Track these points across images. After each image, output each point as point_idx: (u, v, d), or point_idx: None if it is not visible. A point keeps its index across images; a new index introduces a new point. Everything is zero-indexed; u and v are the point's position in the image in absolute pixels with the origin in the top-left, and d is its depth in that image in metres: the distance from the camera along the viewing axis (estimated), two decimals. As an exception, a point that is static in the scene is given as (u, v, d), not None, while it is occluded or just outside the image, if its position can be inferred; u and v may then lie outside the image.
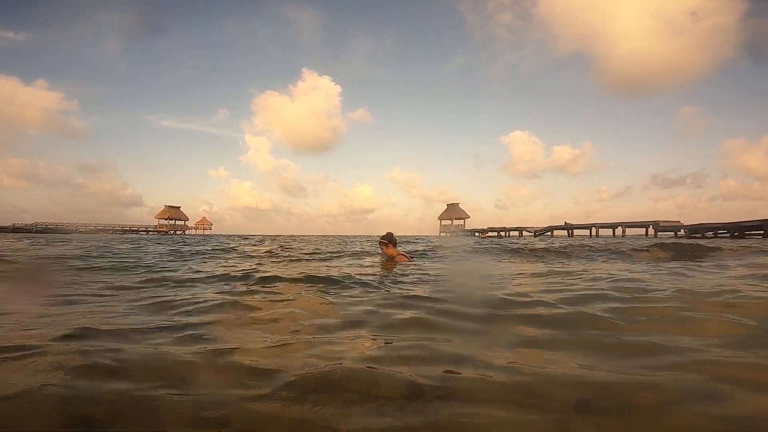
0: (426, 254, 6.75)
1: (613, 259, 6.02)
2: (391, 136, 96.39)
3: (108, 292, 2.89)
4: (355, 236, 34.92)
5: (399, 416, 1.01)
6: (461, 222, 60.84)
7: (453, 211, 62.12)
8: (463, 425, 0.99)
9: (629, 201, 69.42)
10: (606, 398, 1.09)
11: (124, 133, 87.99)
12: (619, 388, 1.14)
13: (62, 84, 78.25)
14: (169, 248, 9.26)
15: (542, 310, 2.08)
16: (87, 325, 1.80)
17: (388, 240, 5.26)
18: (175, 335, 1.69)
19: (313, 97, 73.86)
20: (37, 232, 43.63)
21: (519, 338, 1.65)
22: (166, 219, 60.76)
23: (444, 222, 62.89)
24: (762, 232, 22.51)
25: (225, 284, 3.15)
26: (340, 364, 1.32)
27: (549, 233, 38.96)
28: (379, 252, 5.97)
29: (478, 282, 3.78)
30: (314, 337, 1.67)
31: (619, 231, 33.70)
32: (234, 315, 2.10)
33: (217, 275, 3.70)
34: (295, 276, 3.38)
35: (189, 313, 2.10)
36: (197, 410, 1.03)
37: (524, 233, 42.23)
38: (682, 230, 28.97)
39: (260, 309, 2.24)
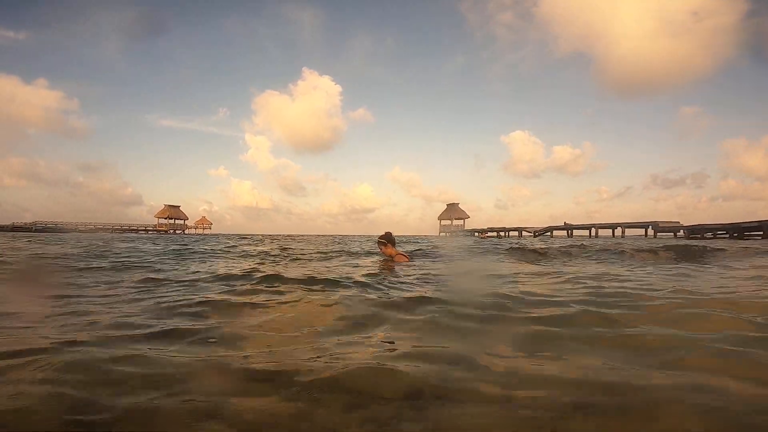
0: (425, 254, 6.75)
1: (611, 259, 6.02)
2: (392, 136, 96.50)
3: (106, 294, 2.88)
4: (355, 236, 34.92)
5: (399, 418, 1.02)
6: (461, 222, 60.85)
7: (453, 211, 62.12)
8: (462, 426, 0.99)
9: (629, 201, 69.53)
10: (606, 398, 1.09)
11: (124, 133, 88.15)
12: (620, 388, 1.15)
13: (63, 83, 78.39)
14: (168, 248, 9.25)
15: (540, 311, 2.09)
16: (86, 329, 1.80)
17: (387, 240, 5.26)
18: (177, 338, 1.69)
19: (313, 97, 73.96)
20: (36, 231, 43.59)
21: (518, 339, 1.65)
22: (165, 218, 60.75)
23: (444, 222, 62.90)
24: (761, 233, 22.53)
25: (225, 285, 3.14)
26: (344, 367, 1.32)
27: (548, 234, 38.97)
28: (378, 252, 5.97)
29: (478, 282, 3.78)
30: (316, 340, 1.67)
31: (618, 231, 33.71)
32: (235, 317, 2.10)
33: (217, 275, 3.70)
34: (295, 277, 3.38)
35: (190, 315, 2.10)
36: (203, 415, 1.03)
37: (524, 233, 42.24)
38: (682, 231, 28.98)
39: (261, 311, 2.24)
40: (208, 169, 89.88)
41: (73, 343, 1.54)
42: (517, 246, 8.78)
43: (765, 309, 2.05)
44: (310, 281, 3.19)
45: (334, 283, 3.11)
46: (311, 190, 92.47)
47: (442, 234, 59.94)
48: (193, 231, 62.83)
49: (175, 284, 3.23)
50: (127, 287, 3.10)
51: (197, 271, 4.23)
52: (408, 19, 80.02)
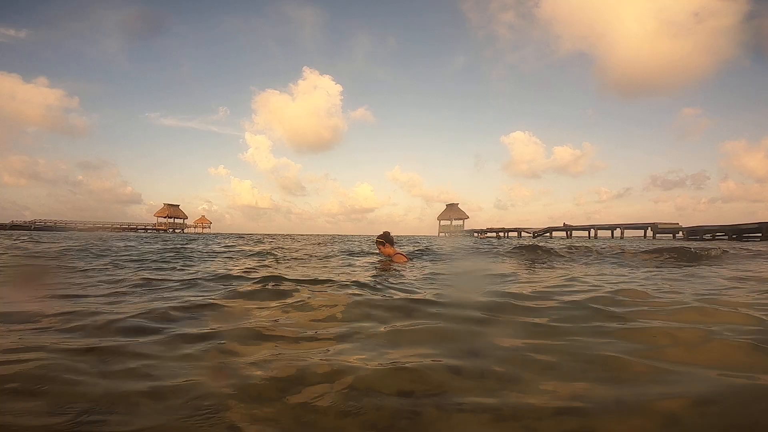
0: (423, 254, 6.75)
1: (608, 261, 6.02)
2: (392, 136, 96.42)
3: (105, 294, 2.87)
4: (354, 236, 34.92)
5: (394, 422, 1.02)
6: (460, 222, 60.87)
7: (452, 211, 62.13)
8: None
9: (629, 202, 69.56)
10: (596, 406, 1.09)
11: (124, 131, 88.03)
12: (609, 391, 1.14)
13: (63, 81, 78.14)
14: (167, 247, 9.24)
15: (538, 312, 2.09)
16: (89, 334, 1.79)
17: (385, 239, 5.25)
18: (177, 342, 1.68)
19: (313, 96, 73.84)
20: (35, 229, 43.54)
21: (517, 340, 1.64)
22: (165, 217, 60.73)
23: (443, 222, 62.92)
24: (760, 234, 22.56)
25: (225, 286, 3.13)
26: (343, 369, 1.32)
27: (548, 234, 38.99)
28: (377, 252, 5.96)
29: (477, 282, 3.78)
30: (316, 343, 1.67)
31: (617, 232, 33.75)
32: (235, 320, 2.09)
33: (216, 276, 3.68)
34: (295, 277, 3.38)
35: (189, 318, 2.09)
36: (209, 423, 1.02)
37: (523, 234, 42.28)
38: (681, 232, 29.02)
39: (261, 313, 2.24)
40: (208, 168, 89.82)
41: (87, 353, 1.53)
42: (515, 246, 8.78)
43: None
44: (309, 282, 3.19)
45: (333, 284, 3.11)
46: (311, 189, 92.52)
47: (441, 234, 59.98)
48: (192, 230, 62.81)
49: (175, 285, 3.21)
50: (125, 288, 3.08)
51: (197, 271, 4.22)
52: (409, 19, 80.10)
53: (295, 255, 6.90)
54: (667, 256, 6.21)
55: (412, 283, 3.28)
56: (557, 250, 7.23)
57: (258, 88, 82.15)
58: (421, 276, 3.80)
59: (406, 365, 1.35)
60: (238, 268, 4.55)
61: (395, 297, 2.60)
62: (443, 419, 1.03)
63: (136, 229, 56.36)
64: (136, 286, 3.15)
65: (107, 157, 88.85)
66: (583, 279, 3.53)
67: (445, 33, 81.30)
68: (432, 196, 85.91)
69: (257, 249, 8.85)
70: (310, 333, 1.77)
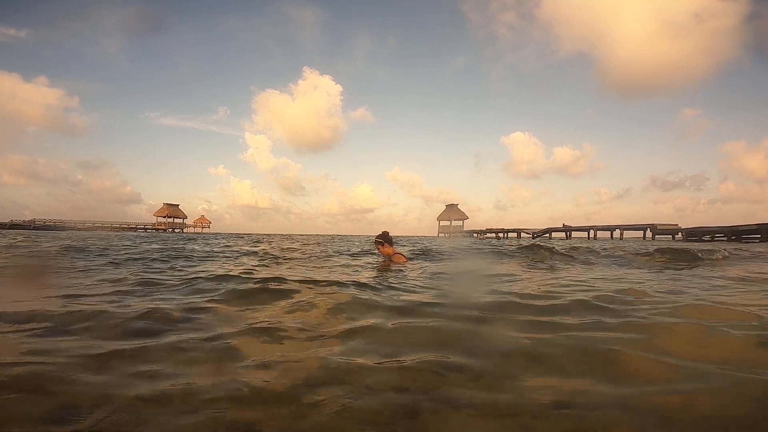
0: (422, 254, 6.75)
1: (607, 261, 6.02)
2: (392, 136, 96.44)
3: (105, 293, 2.87)
4: (353, 236, 34.91)
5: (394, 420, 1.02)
6: (460, 223, 60.87)
7: (452, 211, 62.15)
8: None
9: (629, 203, 69.62)
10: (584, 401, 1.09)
11: (124, 131, 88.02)
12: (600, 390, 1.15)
13: (63, 81, 78.25)
14: (166, 246, 9.23)
15: (538, 310, 2.09)
16: (89, 336, 1.79)
17: (384, 239, 5.24)
18: (179, 344, 1.68)
19: (313, 96, 73.91)
20: (34, 228, 43.48)
21: (515, 338, 1.64)
22: (164, 217, 60.69)
23: (443, 223, 62.93)
24: (759, 236, 22.59)
25: (224, 287, 3.12)
26: (345, 372, 1.32)
27: (547, 235, 39.00)
28: (376, 252, 5.96)
29: (476, 282, 3.78)
30: (316, 346, 1.66)
31: (617, 233, 33.76)
32: (236, 321, 2.09)
33: (215, 276, 3.68)
34: (294, 278, 3.37)
35: (191, 319, 2.09)
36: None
37: (522, 235, 42.30)
38: (680, 233, 29.04)
39: (261, 314, 2.24)
40: (208, 168, 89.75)
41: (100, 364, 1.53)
42: (514, 247, 8.78)
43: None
44: (309, 282, 3.19)
45: (333, 284, 3.10)
46: (311, 189, 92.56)
47: (441, 235, 59.98)
48: (191, 230, 62.77)
49: (174, 285, 3.21)
50: (125, 288, 3.08)
51: (196, 272, 4.21)
52: (409, 19, 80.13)
53: (294, 255, 6.90)
54: (667, 257, 6.22)
55: (411, 283, 3.28)
56: (557, 251, 7.23)
57: (258, 88, 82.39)
58: (421, 275, 3.81)
59: (407, 364, 1.35)
60: (237, 268, 4.55)
61: (395, 297, 2.60)
62: (443, 418, 1.04)
63: (135, 229, 56.29)
64: (134, 285, 3.15)
65: (107, 157, 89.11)
66: (582, 279, 3.53)
67: (445, 33, 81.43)
68: (432, 196, 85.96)
69: (256, 249, 8.84)
70: (310, 333, 1.77)
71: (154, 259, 5.75)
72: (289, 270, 4.33)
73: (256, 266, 4.78)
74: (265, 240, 17.37)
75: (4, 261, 5.41)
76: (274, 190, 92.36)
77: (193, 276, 3.69)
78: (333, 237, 29.37)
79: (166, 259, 5.82)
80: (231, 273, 3.86)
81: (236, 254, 7.11)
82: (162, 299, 2.55)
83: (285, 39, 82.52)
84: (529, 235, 40.48)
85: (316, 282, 3.20)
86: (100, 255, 6.20)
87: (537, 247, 8.11)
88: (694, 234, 27.20)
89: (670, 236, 29.67)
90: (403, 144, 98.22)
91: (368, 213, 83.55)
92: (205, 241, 15.10)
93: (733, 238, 24.27)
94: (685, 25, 51.90)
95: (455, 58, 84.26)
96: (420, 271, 4.18)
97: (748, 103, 72.68)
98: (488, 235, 45.71)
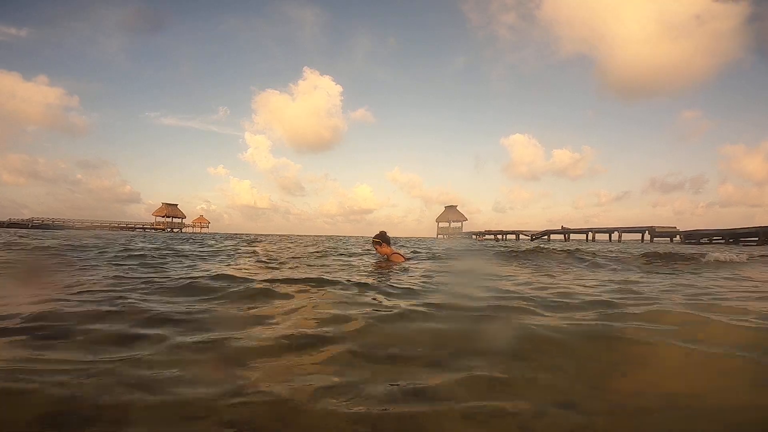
0: (421, 255, 6.74)
1: (604, 263, 6.02)
2: (392, 136, 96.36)
3: (98, 296, 2.85)
4: (352, 237, 34.89)
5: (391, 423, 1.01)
6: (459, 224, 60.94)
7: (451, 213, 62.23)
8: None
9: (628, 205, 69.73)
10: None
11: (124, 130, 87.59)
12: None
13: (63, 80, 78.00)
14: (164, 246, 9.20)
15: (536, 310, 2.08)
16: (89, 339, 1.77)
17: (382, 239, 5.22)
18: (178, 347, 1.66)
19: (313, 97, 73.88)
20: (33, 227, 43.39)
21: (513, 338, 1.63)
22: (163, 217, 60.63)
23: (442, 224, 62.99)
24: (757, 239, 22.66)
25: (223, 287, 3.10)
26: (343, 373, 1.31)
27: (546, 237, 39.06)
28: (374, 252, 5.94)
29: (475, 282, 3.77)
30: (319, 343, 1.65)
31: (615, 236, 33.84)
32: (235, 321, 2.07)
33: (214, 276, 3.66)
34: (292, 278, 3.36)
35: (191, 320, 2.06)
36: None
37: (521, 236, 42.37)
38: (678, 236, 29.12)
39: (260, 315, 2.22)
40: (207, 168, 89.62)
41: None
42: (512, 248, 8.79)
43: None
44: (307, 282, 3.17)
45: (331, 284, 3.09)
46: (310, 190, 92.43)
47: (440, 236, 60.03)
48: (190, 229, 62.71)
49: (173, 285, 3.19)
50: (121, 289, 3.06)
51: (194, 272, 4.19)
52: (409, 19, 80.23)
53: (292, 255, 6.88)
54: (665, 260, 6.22)
55: (410, 282, 3.26)
56: (554, 253, 7.23)
57: (258, 88, 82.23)
58: (419, 275, 3.79)
59: (405, 365, 1.34)
60: (235, 268, 4.53)
61: (393, 296, 2.59)
62: (442, 419, 1.02)
63: (133, 228, 56.20)
64: (130, 286, 3.12)
65: (107, 156, 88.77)
66: (581, 279, 3.52)
67: (446, 33, 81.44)
68: (431, 197, 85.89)
69: (254, 249, 8.82)
70: (310, 334, 1.75)
71: (153, 256, 5.72)
72: (287, 270, 4.31)
73: (253, 266, 4.76)
74: (264, 240, 17.35)
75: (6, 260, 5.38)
76: (273, 190, 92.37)
77: (191, 276, 3.67)
78: (331, 238, 29.34)
79: (164, 258, 5.79)
80: (228, 273, 3.84)
81: (234, 254, 7.09)
82: (159, 300, 2.53)
83: (285, 39, 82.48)
84: (527, 237, 40.54)
85: (314, 282, 3.18)
86: (99, 254, 6.16)
87: (534, 249, 8.11)
88: (692, 237, 27.26)
89: (668, 239, 29.74)
90: (403, 144, 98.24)
91: (367, 214, 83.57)
92: (203, 240, 15.07)
93: (731, 241, 24.34)
94: (686, 26, 52.10)
95: (455, 58, 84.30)
96: (418, 271, 4.17)
97: (748, 104, 72.80)
98: (487, 236, 45.76)
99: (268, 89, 79.52)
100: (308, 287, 2.93)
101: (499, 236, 44.81)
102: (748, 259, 6.46)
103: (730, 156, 70.59)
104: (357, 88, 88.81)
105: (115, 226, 55.22)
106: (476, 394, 1.14)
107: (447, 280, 3.57)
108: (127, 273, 3.79)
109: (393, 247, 5.43)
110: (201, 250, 8.10)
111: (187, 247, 9.19)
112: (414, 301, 2.37)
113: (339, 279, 3.33)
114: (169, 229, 59.58)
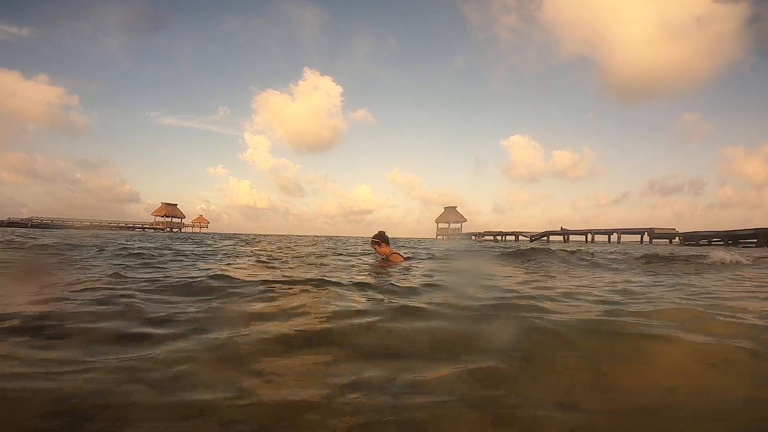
0: (420, 255, 6.74)
1: (603, 264, 6.03)
2: (392, 137, 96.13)
3: (96, 296, 2.84)
4: (352, 237, 34.88)
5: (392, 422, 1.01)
6: (458, 225, 60.97)
7: (450, 214, 62.28)
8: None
9: (627, 207, 69.52)
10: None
11: (124, 130, 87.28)
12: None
13: (64, 79, 77.69)
14: (164, 246, 9.19)
15: (536, 310, 2.07)
16: (88, 339, 1.76)
17: (380, 239, 5.22)
18: (178, 348, 1.66)
19: (314, 97, 73.70)
20: (32, 226, 43.34)
21: (513, 337, 1.63)
22: (162, 216, 60.57)
23: (441, 225, 63.03)
24: (755, 240, 22.70)
25: (222, 287, 3.10)
26: (343, 373, 1.30)
27: (545, 238, 39.09)
28: (373, 252, 5.94)
29: (474, 282, 3.76)
30: (318, 343, 1.65)
31: (614, 237, 33.87)
32: (235, 322, 2.06)
33: (213, 277, 3.65)
34: (292, 278, 3.35)
35: (190, 321, 2.05)
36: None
37: (520, 237, 42.39)
38: (677, 238, 29.16)
39: (260, 315, 2.20)
40: (207, 168, 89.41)
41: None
42: (512, 249, 8.79)
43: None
44: (306, 282, 3.16)
45: (331, 284, 3.08)
46: (310, 190, 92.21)
47: (439, 237, 60.05)
48: (189, 229, 62.66)
49: (171, 286, 3.18)
50: (121, 288, 3.05)
51: (193, 271, 4.19)
52: (410, 19, 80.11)
53: (291, 255, 6.88)
54: (664, 261, 6.23)
55: (409, 282, 3.26)
56: (554, 253, 7.24)
57: (258, 88, 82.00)
58: (418, 275, 3.79)
59: (405, 365, 1.34)
60: (235, 268, 4.52)
61: (392, 296, 2.59)
62: (443, 417, 1.02)
63: (133, 228, 56.15)
64: (130, 285, 3.12)
65: (106, 156, 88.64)
66: (581, 279, 3.53)
67: (446, 34, 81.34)
68: (431, 198, 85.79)
69: (253, 249, 8.82)
70: (310, 333, 1.74)
71: (152, 255, 5.72)
72: (287, 270, 4.30)
73: (252, 266, 4.75)
74: (263, 240, 17.34)
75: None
76: (272, 190, 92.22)
77: (190, 276, 3.67)
78: (331, 238, 29.33)
79: (164, 258, 5.79)
80: (228, 273, 3.83)
81: (233, 254, 7.08)
82: (158, 301, 2.52)
83: (285, 39, 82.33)
84: (527, 238, 40.56)
85: (313, 282, 3.18)
86: (98, 254, 6.16)
87: (533, 249, 8.12)
88: (691, 238, 27.31)
89: (668, 240, 29.78)
90: (403, 145, 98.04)
91: (367, 214, 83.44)
92: (202, 240, 15.06)
93: (730, 242, 24.38)
94: (687, 28, 52.06)
95: (456, 59, 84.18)
96: (417, 271, 4.17)
97: (748, 107, 72.73)
98: (486, 237, 45.79)
99: (268, 89, 79.40)
100: (308, 287, 2.92)
101: (499, 237, 44.83)
102: (754, 261, 6.47)
103: (730, 158, 70.62)
104: (357, 89, 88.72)
105: (114, 226, 55.16)
106: (477, 392, 1.14)
107: (447, 280, 3.56)
108: (127, 272, 3.78)
109: (392, 247, 5.43)
110: (201, 250, 8.09)
111: (186, 246, 9.18)
112: (414, 300, 2.37)
113: (339, 279, 3.32)
114: (168, 229, 59.52)
